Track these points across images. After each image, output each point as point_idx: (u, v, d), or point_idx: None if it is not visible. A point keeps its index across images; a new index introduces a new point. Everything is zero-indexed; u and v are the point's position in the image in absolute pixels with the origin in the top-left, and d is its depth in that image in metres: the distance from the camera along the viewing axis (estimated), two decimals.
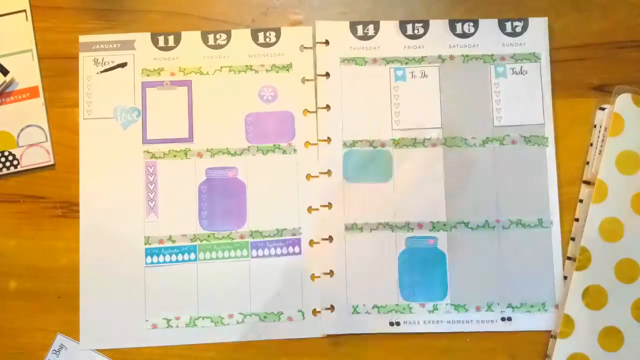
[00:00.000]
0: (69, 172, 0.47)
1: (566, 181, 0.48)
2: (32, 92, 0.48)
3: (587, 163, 0.48)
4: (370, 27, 0.49)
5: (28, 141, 0.48)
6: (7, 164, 0.48)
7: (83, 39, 0.48)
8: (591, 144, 0.48)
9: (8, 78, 0.47)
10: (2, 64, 0.48)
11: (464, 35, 0.49)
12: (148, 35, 0.49)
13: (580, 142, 0.48)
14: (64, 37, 0.49)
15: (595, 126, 0.48)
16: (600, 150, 0.47)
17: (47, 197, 0.47)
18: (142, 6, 0.49)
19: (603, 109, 0.48)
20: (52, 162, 0.48)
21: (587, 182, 0.47)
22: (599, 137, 0.47)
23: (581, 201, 0.47)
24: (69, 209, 0.47)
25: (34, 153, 0.48)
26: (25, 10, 0.49)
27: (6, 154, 0.48)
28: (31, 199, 0.47)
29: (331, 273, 0.47)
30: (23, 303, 0.46)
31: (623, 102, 0.46)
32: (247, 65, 0.49)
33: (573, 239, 0.47)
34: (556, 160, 0.48)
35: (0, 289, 0.47)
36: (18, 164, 0.48)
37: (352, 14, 0.49)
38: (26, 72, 0.48)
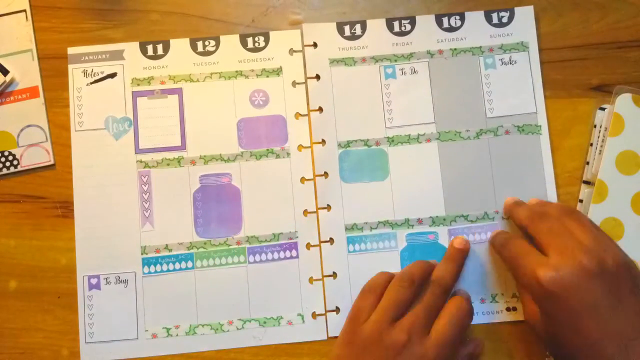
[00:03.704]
0: (69, 172, 0.47)
1: (566, 181, 0.48)
2: (32, 92, 0.48)
3: (587, 163, 0.48)
4: (357, 26, 0.49)
5: (28, 141, 0.48)
6: (7, 164, 0.48)
7: (71, 50, 0.48)
8: (591, 144, 0.48)
9: (8, 78, 0.47)
10: (2, 64, 0.48)
11: (451, 29, 0.49)
12: (136, 44, 0.48)
13: (580, 142, 0.48)
14: (64, 37, 0.49)
15: (595, 126, 0.48)
16: (600, 150, 0.47)
17: (47, 197, 0.47)
18: (142, 6, 0.49)
19: (603, 109, 0.48)
20: (52, 162, 0.48)
21: (587, 182, 0.47)
22: (599, 137, 0.47)
23: (581, 201, 0.47)
24: (69, 209, 0.47)
25: (34, 153, 0.48)
26: (25, 10, 0.49)
27: (6, 154, 0.48)
28: (31, 199, 0.47)
29: (334, 275, 0.46)
30: (23, 303, 0.46)
31: (623, 102, 0.46)
32: (237, 71, 0.48)
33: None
34: (556, 160, 0.48)
35: (0, 289, 0.47)
36: (18, 164, 0.48)
37: (352, 13, 0.49)
38: (26, 72, 0.48)
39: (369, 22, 0.49)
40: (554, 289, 0.36)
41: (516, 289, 0.46)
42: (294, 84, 0.48)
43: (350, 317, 0.43)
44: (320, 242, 0.47)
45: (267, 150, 0.48)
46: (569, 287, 0.36)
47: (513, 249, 0.41)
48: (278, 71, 0.49)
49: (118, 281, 0.46)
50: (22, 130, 0.48)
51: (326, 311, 0.46)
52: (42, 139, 0.48)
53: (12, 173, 0.48)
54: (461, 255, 0.45)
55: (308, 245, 0.47)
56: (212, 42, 0.49)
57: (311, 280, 0.47)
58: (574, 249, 0.37)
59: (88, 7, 0.49)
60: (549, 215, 0.41)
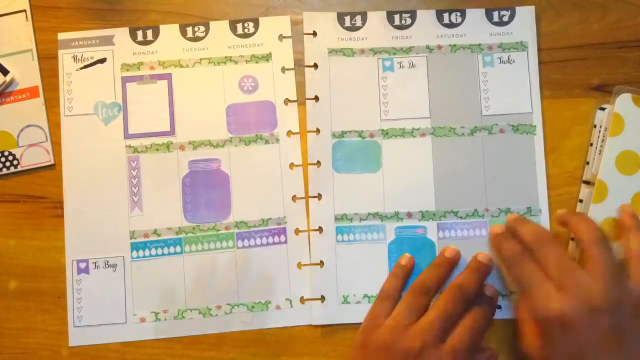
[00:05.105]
0: None
1: (566, 181, 0.48)
2: (32, 92, 0.48)
3: (587, 163, 0.48)
4: (358, 18, 0.49)
5: (28, 141, 0.48)
6: (7, 164, 0.48)
7: (62, 36, 0.48)
8: (591, 144, 0.48)
9: (8, 78, 0.48)
10: (2, 64, 0.48)
11: (451, 25, 0.49)
12: (126, 30, 0.49)
13: (580, 142, 0.48)
14: None
15: (595, 126, 0.48)
16: (600, 150, 0.47)
17: (47, 197, 0.47)
18: (142, 6, 0.49)
19: (603, 109, 0.48)
20: (52, 162, 0.48)
21: (587, 182, 0.47)
22: (599, 137, 0.47)
23: (581, 201, 0.47)
24: None
25: (34, 153, 0.48)
26: (25, 10, 0.49)
27: (6, 154, 0.48)
28: (31, 199, 0.47)
29: (321, 264, 0.47)
30: (23, 303, 0.47)
31: (623, 102, 0.46)
32: (226, 57, 0.49)
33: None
34: (556, 160, 0.48)
35: (0, 289, 0.47)
36: (18, 164, 0.48)
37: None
38: (26, 72, 0.48)
39: (369, 14, 0.49)
40: (566, 322, 0.37)
41: (507, 288, 0.46)
42: (284, 69, 0.49)
43: (366, 320, 0.43)
44: (310, 230, 0.47)
45: (256, 136, 0.48)
46: (580, 323, 0.37)
47: (526, 273, 0.40)
48: (267, 57, 0.49)
49: (107, 265, 0.46)
50: (22, 130, 0.48)
51: (311, 299, 0.46)
52: (42, 139, 0.48)
53: (12, 173, 0.48)
54: (485, 270, 0.44)
55: (297, 231, 0.47)
56: (202, 28, 0.49)
57: (299, 265, 0.47)
58: (587, 286, 0.38)
59: (88, 7, 0.49)
60: (559, 241, 0.41)
